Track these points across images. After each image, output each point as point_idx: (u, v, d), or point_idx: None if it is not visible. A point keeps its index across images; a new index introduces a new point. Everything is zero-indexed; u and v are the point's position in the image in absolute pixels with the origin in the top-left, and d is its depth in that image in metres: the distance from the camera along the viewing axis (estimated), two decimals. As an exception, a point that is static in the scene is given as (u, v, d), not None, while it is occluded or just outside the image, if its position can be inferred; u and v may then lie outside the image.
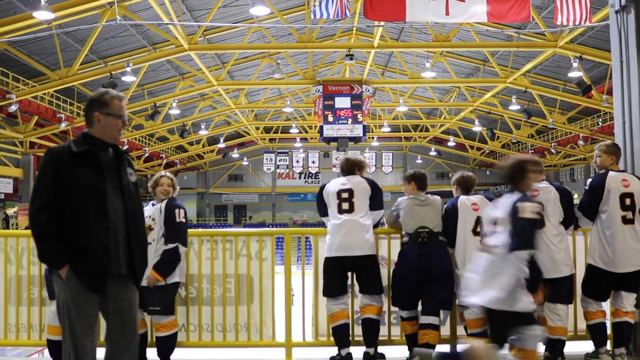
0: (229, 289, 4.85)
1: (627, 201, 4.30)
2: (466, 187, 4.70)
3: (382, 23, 14.27)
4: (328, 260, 4.54)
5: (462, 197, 4.57)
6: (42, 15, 11.98)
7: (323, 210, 4.72)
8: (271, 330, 4.83)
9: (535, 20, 14.27)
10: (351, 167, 4.77)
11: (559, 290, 4.33)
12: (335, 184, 4.68)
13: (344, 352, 4.42)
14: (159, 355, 4.49)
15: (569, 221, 4.44)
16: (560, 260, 4.30)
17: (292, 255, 5.08)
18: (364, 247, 4.44)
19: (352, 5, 15.34)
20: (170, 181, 4.61)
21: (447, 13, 7.65)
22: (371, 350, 4.46)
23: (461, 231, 4.44)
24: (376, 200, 4.61)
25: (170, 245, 4.38)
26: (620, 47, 4.86)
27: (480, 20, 8.18)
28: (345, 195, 4.56)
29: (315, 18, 10.72)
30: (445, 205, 4.59)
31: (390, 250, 4.80)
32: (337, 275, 4.52)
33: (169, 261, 4.38)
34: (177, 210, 4.46)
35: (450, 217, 4.40)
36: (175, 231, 4.42)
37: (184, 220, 4.50)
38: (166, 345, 4.48)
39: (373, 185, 4.64)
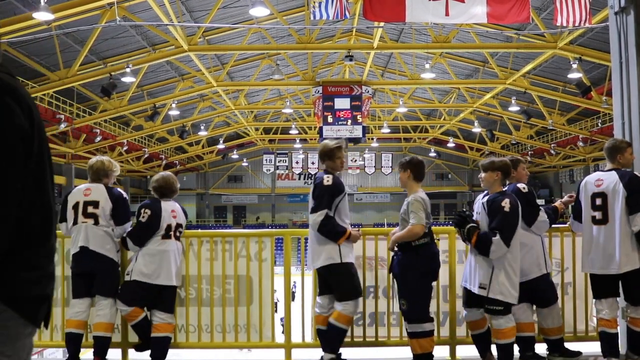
0: (229, 290, 4.84)
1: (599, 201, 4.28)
2: (509, 172, 4.27)
3: (381, 24, 14.26)
4: None
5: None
6: (41, 16, 11.97)
7: None
8: (270, 331, 4.83)
9: (534, 21, 14.26)
10: (321, 156, 4.43)
11: (537, 293, 4.35)
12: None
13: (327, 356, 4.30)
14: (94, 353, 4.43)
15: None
16: (529, 263, 4.30)
17: (291, 256, 5.07)
18: (321, 258, 4.23)
19: (352, 7, 15.33)
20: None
21: (446, 14, 7.62)
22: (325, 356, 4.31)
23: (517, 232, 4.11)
24: None
25: None
26: (619, 48, 4.87)
27: (480, 21, 8.17)
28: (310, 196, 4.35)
29: (314, 19, 10.68)
30: (509, 199, 4.06)
31: (390, 253, 4.78)
32: (320, 282, 4.48)
33: None
34: None
35: (517, 214, 4.05)
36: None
37: None
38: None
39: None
